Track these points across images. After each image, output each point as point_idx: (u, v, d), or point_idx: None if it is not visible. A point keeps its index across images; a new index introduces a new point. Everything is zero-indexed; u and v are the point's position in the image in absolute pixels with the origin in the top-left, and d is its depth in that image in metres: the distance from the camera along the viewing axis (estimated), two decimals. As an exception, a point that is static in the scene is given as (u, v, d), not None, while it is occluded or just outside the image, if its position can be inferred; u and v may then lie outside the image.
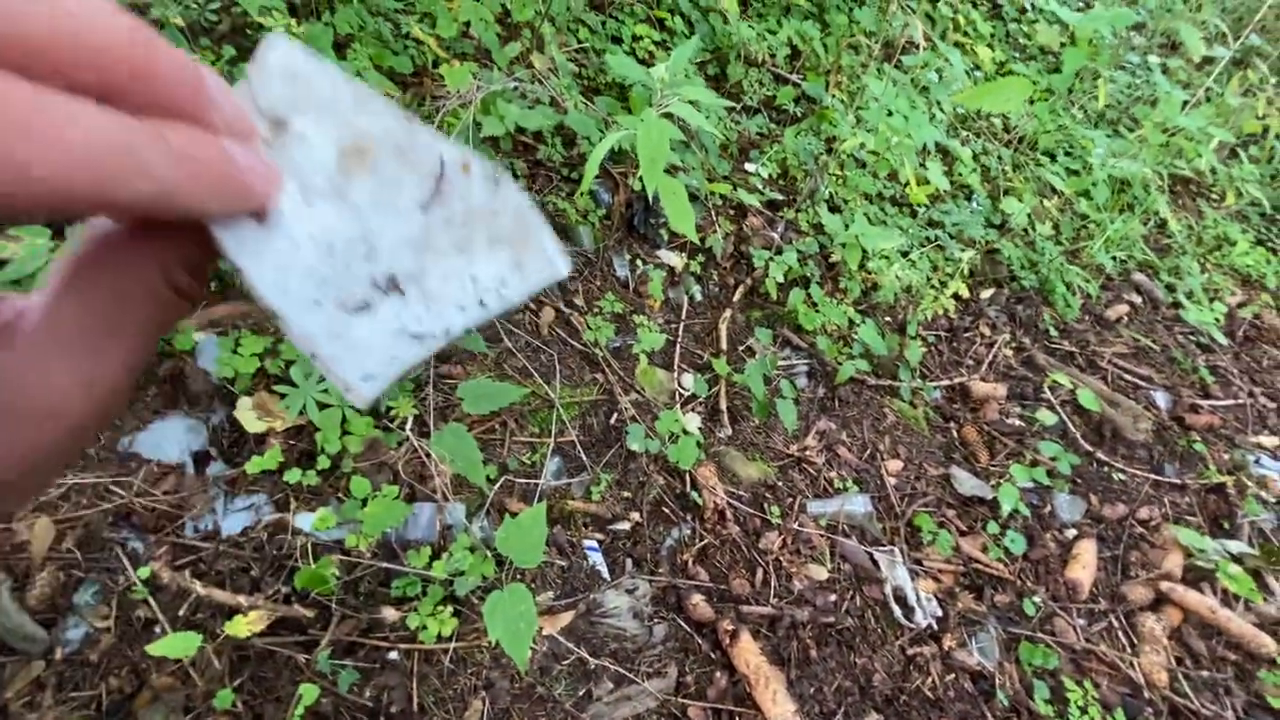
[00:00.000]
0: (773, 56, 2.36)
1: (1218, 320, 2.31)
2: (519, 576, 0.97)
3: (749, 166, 2.07)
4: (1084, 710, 1.09)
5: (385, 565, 0.90)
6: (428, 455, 0.97)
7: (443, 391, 1.12)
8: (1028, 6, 2.99)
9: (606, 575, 1.06)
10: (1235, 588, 1.33)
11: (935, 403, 1.65)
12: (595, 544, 1.09)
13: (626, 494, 1.17)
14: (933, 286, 1.74)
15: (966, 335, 1.89)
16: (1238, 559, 1.46)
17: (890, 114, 1.69)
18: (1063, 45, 2.93)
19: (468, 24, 1.59)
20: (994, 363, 1.84)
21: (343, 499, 0.94)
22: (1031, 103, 2.29)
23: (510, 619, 0.68)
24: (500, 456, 1.10)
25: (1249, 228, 2.91)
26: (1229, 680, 1.22)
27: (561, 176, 1.61)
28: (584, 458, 1.17)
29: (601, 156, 1.16)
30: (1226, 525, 1.59)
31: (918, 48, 2.37)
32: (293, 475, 0.93)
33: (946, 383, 1.70)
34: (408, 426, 1.00)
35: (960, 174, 2.31)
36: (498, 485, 1.06)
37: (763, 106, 2.33)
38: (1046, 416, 1.61)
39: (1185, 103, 2.71)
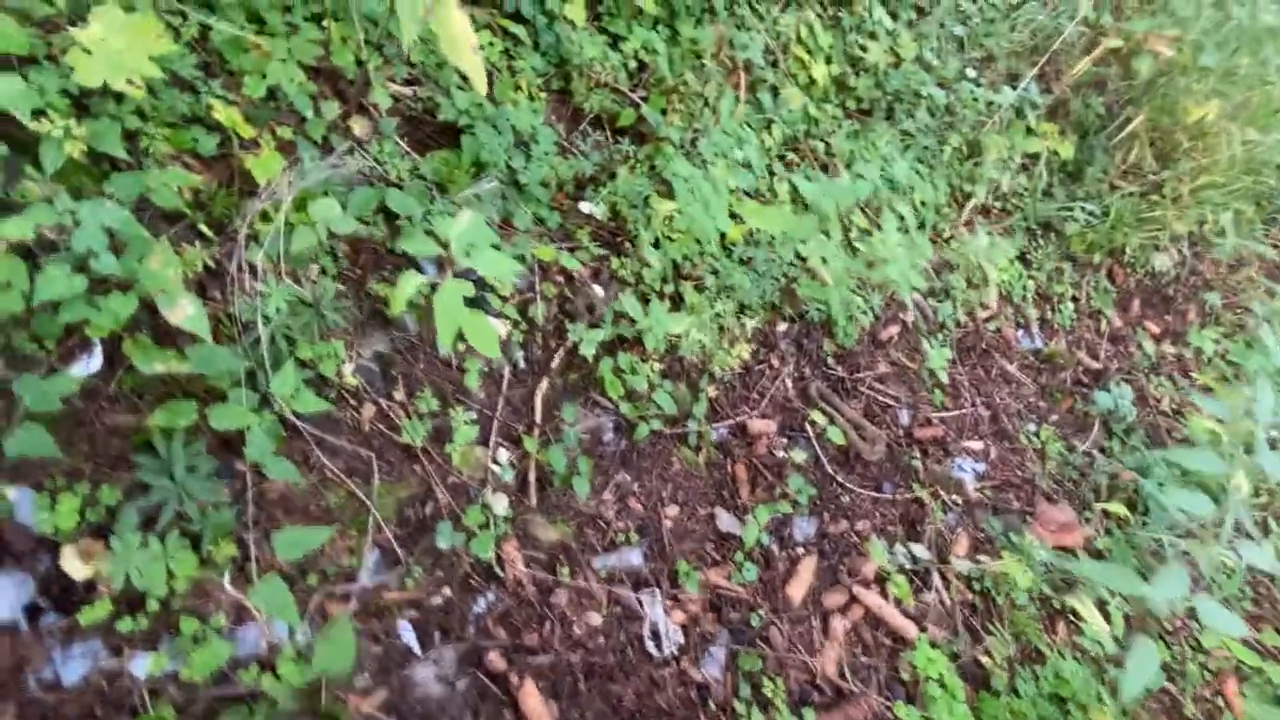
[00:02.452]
0: (615, 77, 2.41)
1: (959, 338, 2.86)
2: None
3: (584, 206, 2.20)
4: (770, 702, 1.57)
5: (216, 693, 1.11)
6: (246, 599, 1.16)
7: (264, 511, 1.29)
8: (866, 18, 3.17)
9: (418, 650, 1.34)
10: (896, 591, 1.88)
11: (719, 440, 2.02)
12: (409, 623, 1.36)
13: (440, 573, 1.44)
14: (723, 349, 2.05)
15: (759, 369, 2.26)
16: (915, 559, 2.03)
17: (695, 192, 1.89)
18: (893, 62, 3.17)
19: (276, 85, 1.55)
20: (774, 397, 2.23)
21: (174, 634, 1.12)
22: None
23: None
24: (319, 564, 1.31)
25: (1016, 245, 3.49)
26: (880, 663, 1.78)
27: (387, 250, 1.68)
28: (399, 551, 1.40)
29: (409, 294, 1.29)
30: (918, 529, 2.16)
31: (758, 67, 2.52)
32: (124, 624, 1.09)
33: (730, 422, 2.07)
34: (227, 572, 1.17)
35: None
36: (318, 593, 1.28)
37: (606, 127, 2.42)
38: (798, 454, 2.04)
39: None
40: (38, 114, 1.23)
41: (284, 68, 1.57)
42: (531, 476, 1.63)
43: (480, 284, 1.76)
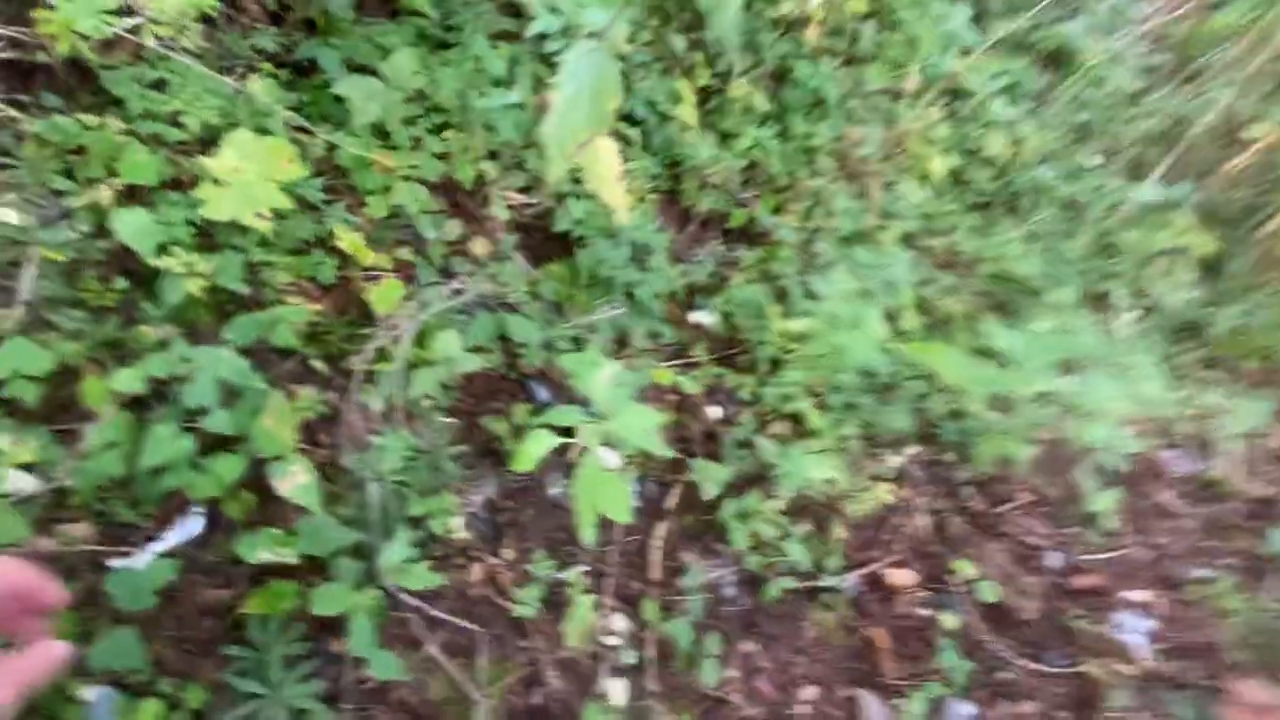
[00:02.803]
0: (727, 177, 2.28)
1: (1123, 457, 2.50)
2: None
3: (695, 316, 2.04)
4: None
5: None
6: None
7: (364, 712, 1.10)
8: (983, 108, 2.99)
9: None
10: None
11: (852, 594, 1.73)
12: None
13: (549, 779, 1.20)
14: (860, 488, 1.80)
15: (881, 502, 1.98)
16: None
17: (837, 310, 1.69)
18: (1013, 154, 2.97)
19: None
20: (909, 537, 1.94)
21: None
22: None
23: None
24: (421, 777, 1.10)
25: (1157, 349, 3.13)
26: None
27: (500, 377, 1.53)
28: (507, 754, 1.18)
29: (540, 455, 1.11)
30: (1093, 716, 1.79)
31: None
32: None
33: (863, 572, 1.79)
34: None
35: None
36: (417, 821, 1.06)
37: (717, 231, 2.28)
38: (948, 619, 1.73)
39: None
40: (161, 249, 1.14)
41: (408, 187, 1.48)
42: (651, 653, 1.40)
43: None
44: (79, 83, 1.29)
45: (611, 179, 1.26)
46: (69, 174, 1.17)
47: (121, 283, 1.16)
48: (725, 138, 2.41)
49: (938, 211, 2.75)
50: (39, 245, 1.04)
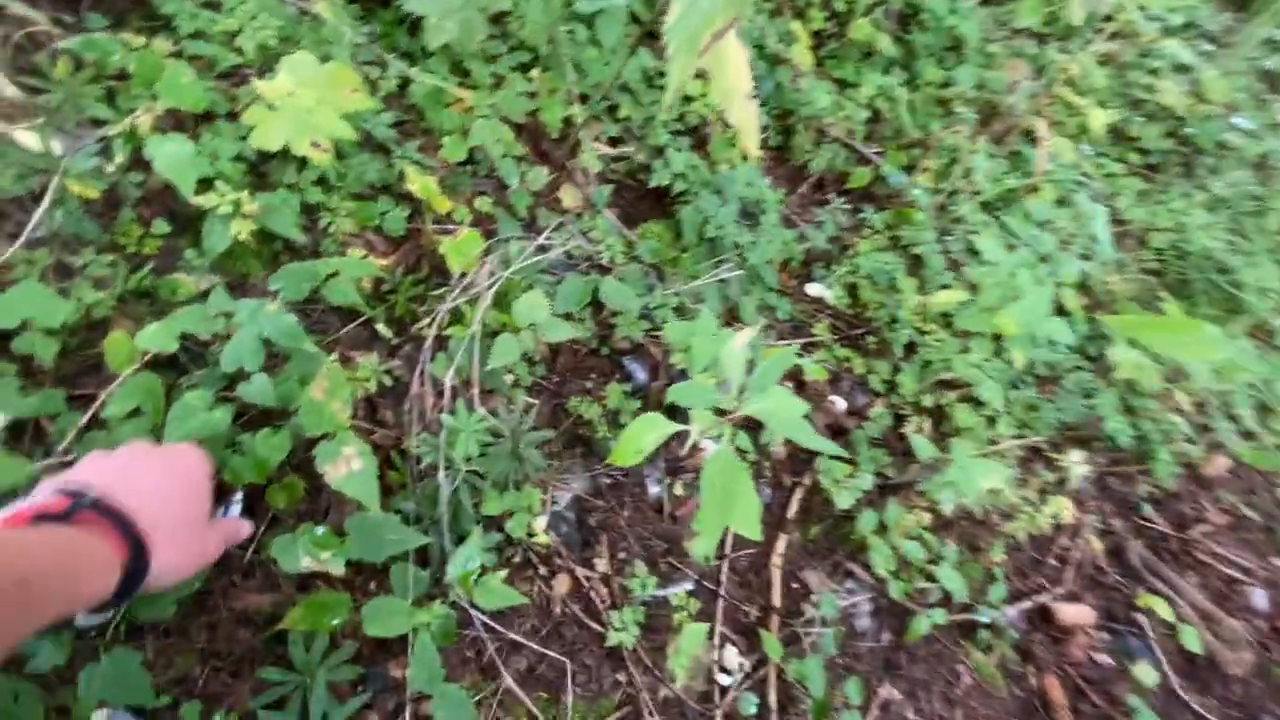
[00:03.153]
0: (850, 129, 1.95)
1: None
2: None
3: (812, 288, 1.73)
4: None
5: None
6: None
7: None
8: (1149, 52, 2.50)
9: None
10: None
11: (1015, 632, 1.39)
12: None
13: None
14: (1029, 502, 1.44)
15: (1068, 506, 1.61)
16: None
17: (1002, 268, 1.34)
18: (1189, 106, 2.48)
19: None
20: (1078, 564, 1.56)
21: None
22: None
23: None
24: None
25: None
26: None
27: (590, 351, 1.29)
28: (600, 821, 0.93)
29: (647, 446, 0.86)
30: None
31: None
32: None
33: (1026, 605, 1.43)
34: None
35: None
36: None
37: (833, 190, 1.95)
38: (1145, 673, 1.36)
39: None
40: (204, 184, 0.95)
41: (489, 126, 1.25)
42: (773, 698, 1.12)
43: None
44: (131, 5, 1.13)
45: (742, 93, 0.98)
46: (111, 101, 1.00)
47: (162, 226, 0.98)
48: (843, 87, 2.07)
49: (1097, 173, 2.31)
50: (63, 175, 0.87)
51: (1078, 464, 1.61)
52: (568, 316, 1.18)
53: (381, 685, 0.90)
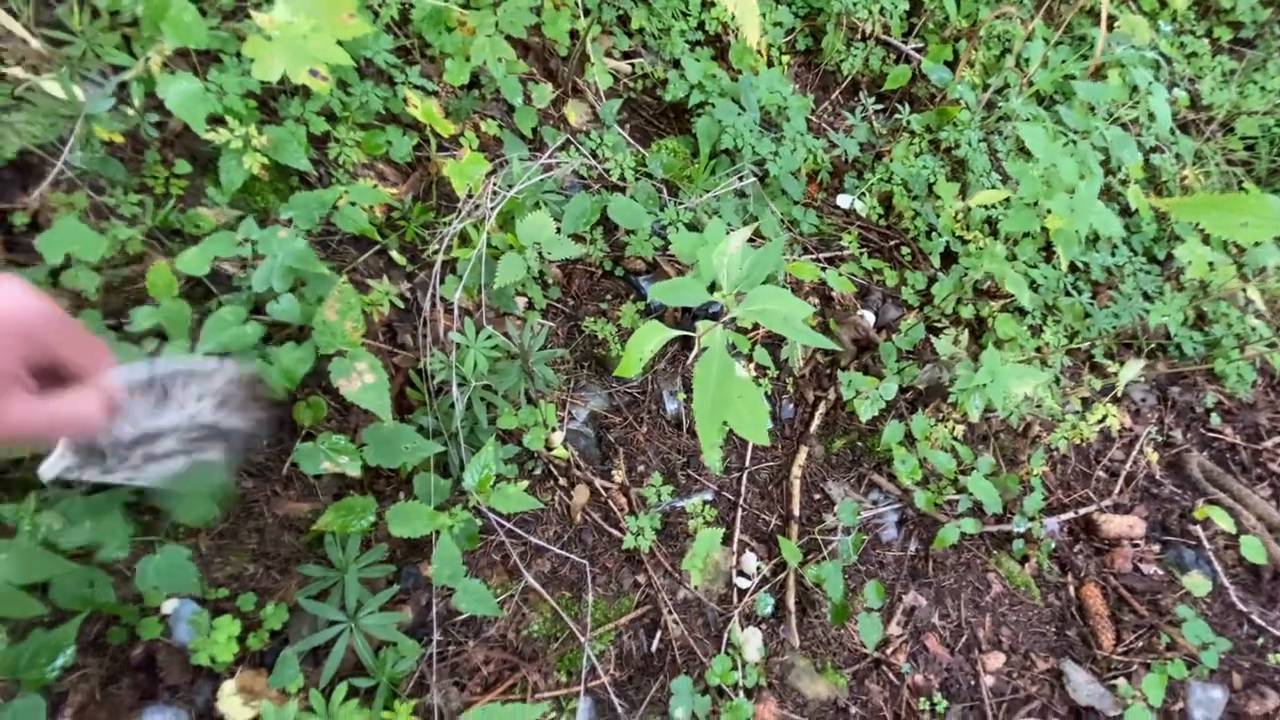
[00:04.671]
0: (886, 25, 1.81)
1: None
2: None
3: (843, 200, 1.65)
4: None
5: None
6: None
7: (451, 640, 0.96)
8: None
9: None
10: None
11: (1053, 543, 1.36)
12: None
13: (670, 737, 1.01)
14: (1074, 413, 1.37)
15: (1100, 430, 1.53)
16: None
17: (1046, 177, 1.24)
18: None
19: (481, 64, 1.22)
20: (1132, 475, 1.49)
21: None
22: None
23: None
24: (522, 724, 0.95)
25: None
26: None
27: (604, 273, 1.29)
28: (618, 706, 1.00)
29: (647, 354, 0.87)
30: None
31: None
32: (281, 809, 0.81)
33: (1069, 516, 1.39)
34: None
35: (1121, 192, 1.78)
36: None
37: (867, 90, 1.83)
38: (1197, 584, 1.30)
39: None
40: (215, 121, 0.99)
41: (490, 44, 1.23)
42: (791, 601, 1.14)
43: (716, 315, 1.30)
44: (137, -50, 1.15)
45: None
46: (128, 47, 1.04)
47: (184, 165, 1.03)
48: (879, -23, 1.90)
49: (1176, 54, 2.06)
50: (86, 119, 0.92)
51: (1134, 372, 1.51)
52: (576, 237, 1.18)
53: (414, 582, 0.98)
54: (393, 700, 0.86)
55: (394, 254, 1.11)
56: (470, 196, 1.10)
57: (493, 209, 1.06)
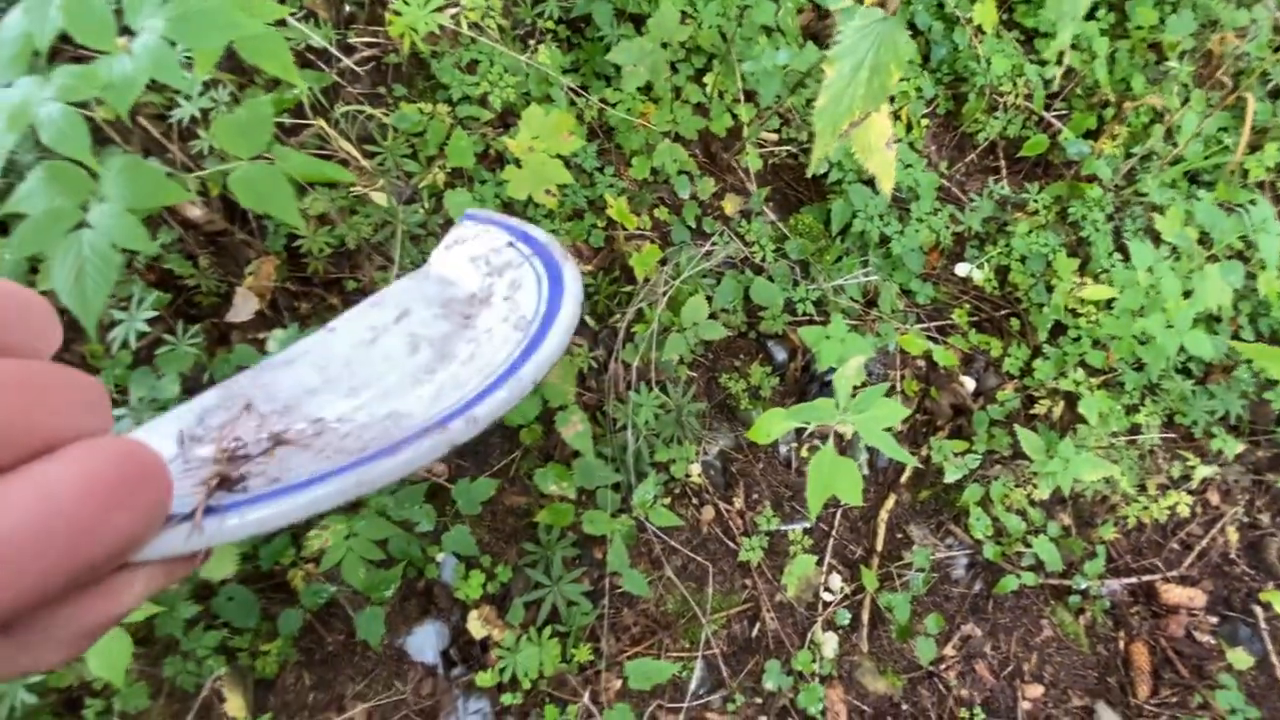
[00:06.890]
0: (1029, 94, 1.91)
1: None
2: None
3: (961, 268, 1.83)
4: None
5: (568, 787, 1.24)
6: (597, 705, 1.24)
7: (615, 607, 1.37)
8: None
9: (732, 779, 1.32)
10: None
11: (1111, 604, 1.56)
12: (726, 749, 1.34)
13: (759, 700, 1.38)
14: (1145, 495, 1.53)
15: (1170, 509, 1.67)
16: None
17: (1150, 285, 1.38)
18: None
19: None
20: (1206, 553, 1.63)
21: (540, 717, 1.27)
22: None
23: None
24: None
25: None
26: None
27: (739, 335, 1.60)
28: (724, 670, 1.37)
29: (776, 434, 1.18)
30: None
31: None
32: (506, 698, 1.26)
33: (1131, 581, 1.57)
34: (592, 687, 1.27)
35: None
36: (650, 706, 1.32)
37: (1002, 160, 1.95)
38: (1240, 658, 1.46)
39: None
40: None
41: (667, 147, 1.54)
42: (865, 616, 1.46)
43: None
44: (416, 70, 1.55)
45: (880, 146, 1.17)
46: (414, 156, 1.45)
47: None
48: (1031, 39, 1.99)
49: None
50: (401, 223, 1.35)
51: (1229, 458, 1.62)
52: (724, 312, 1.49)
53: (591, 563, 1.39)
54: (577, 642, 1.28)
55: (588, 319, 1.48)
56: (647, 281, 1.44)
57: (664, 295, 1.39)
